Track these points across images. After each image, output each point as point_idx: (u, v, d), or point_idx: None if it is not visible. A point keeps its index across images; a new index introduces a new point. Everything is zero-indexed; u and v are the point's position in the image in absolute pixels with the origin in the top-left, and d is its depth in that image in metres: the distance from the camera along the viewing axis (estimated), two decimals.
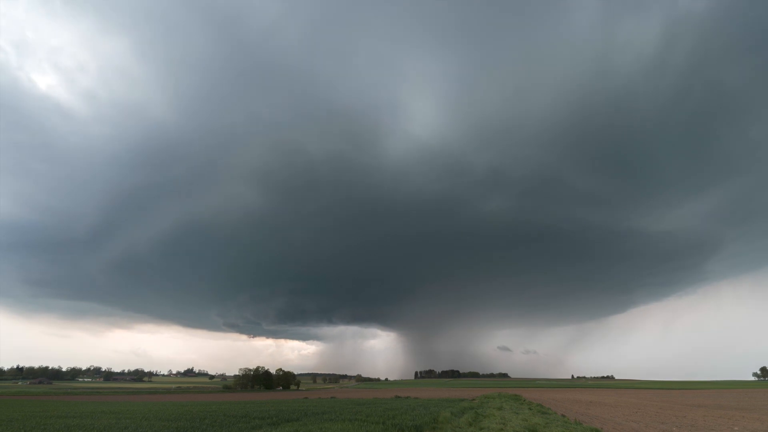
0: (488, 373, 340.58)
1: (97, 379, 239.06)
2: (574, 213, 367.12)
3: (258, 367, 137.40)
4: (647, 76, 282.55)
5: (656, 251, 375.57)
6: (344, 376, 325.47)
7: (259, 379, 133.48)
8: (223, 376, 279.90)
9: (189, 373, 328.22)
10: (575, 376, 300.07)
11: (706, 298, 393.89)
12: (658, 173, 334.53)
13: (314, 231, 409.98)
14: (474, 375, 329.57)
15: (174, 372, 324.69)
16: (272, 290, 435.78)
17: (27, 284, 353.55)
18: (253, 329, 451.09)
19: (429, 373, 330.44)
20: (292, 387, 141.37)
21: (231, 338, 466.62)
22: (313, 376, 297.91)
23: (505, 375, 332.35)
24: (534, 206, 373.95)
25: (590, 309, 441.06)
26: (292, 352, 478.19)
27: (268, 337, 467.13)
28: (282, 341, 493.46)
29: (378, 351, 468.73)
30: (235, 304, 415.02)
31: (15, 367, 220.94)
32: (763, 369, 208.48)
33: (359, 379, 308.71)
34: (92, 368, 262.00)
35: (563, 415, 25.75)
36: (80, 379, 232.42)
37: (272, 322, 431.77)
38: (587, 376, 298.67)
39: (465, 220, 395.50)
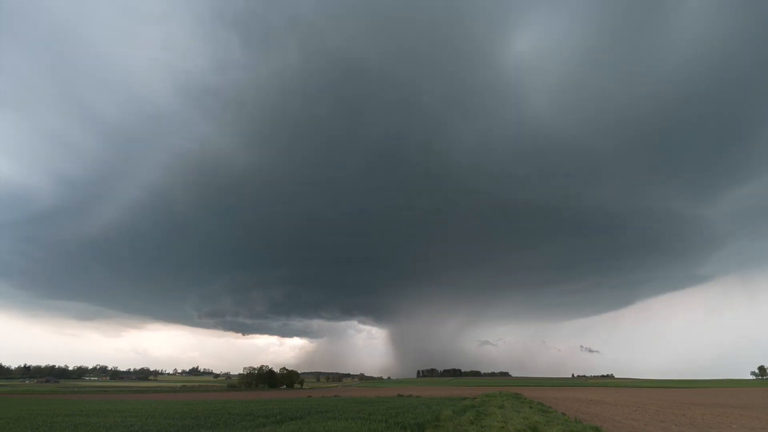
0: (489, 372, 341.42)
1: (103, 378, 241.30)
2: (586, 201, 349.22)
3: (262, 366, 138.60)
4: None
5: (657, 245, 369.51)
6: (347, 375, 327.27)
7: (263, 378, 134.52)
8: (227, 375, 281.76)
9: (194, 372, 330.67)
10: (575, 375, 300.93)
11: (704, 296, 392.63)
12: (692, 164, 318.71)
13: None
14: (475, 374, 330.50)
15: (179, 371, 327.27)
16: (257, 280, 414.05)
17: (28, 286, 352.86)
18: (233, 325, 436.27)
19: (431, 372, 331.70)
20: (296, 386, 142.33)
21: (230, 336, 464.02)
22: (317, 375, 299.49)
23: (506, 374, 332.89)
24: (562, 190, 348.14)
25: (590, 305, 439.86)
26: (291, 350, 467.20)
27: (241, 333, 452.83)
28: (273, 338, 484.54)
29: (373, 348, 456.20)
30: (212, 296, 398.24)
31: (22, 366, 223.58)
32: (761, 368, 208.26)
33: (362, 378, 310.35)
34: (98, 367, 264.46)
35: (563, 414, 26.00)
36: (86, 378, 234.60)
37: (254, 317, 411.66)
38: (587, 375, 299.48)
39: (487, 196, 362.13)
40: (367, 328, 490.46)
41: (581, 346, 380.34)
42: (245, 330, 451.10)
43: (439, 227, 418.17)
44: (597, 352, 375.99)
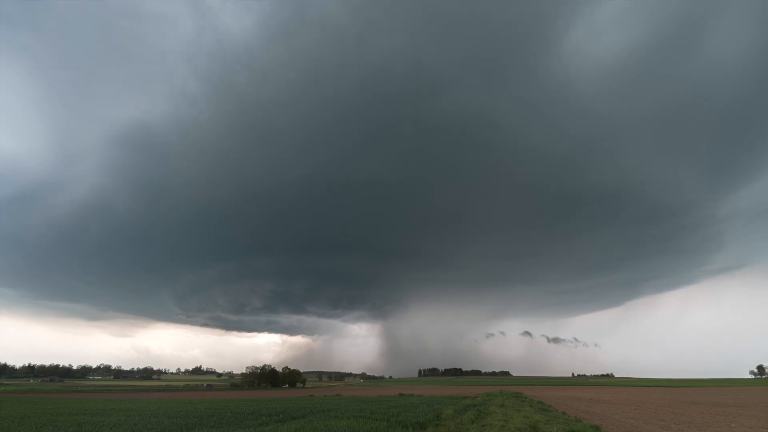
0: (490, 371, 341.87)
1: (107, 377, 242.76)
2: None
3: (264, 365, 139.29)
4: None
5: (658, 243, 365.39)
6: (349, 374, 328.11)
7: (265, 377, 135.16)
8: (230, 374, 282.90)
9: (197, 371, 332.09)
10: (576, 374, 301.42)
11: (704, 295, 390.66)
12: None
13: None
14: (476, 373, 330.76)
15: (182, 370, 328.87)
16: (240, 271, 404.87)
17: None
18: (232, 324, 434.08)
19: (432, 371, 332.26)
20: (298, 385, 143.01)
21: (231, 335, 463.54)
22: (319, 374, 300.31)
23: (506, 373, 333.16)
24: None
25: (589, 303, 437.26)
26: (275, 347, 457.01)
27: (226, 329, 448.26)
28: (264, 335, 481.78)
29: (374, 347, 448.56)
30: (211, 295, 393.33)
31: (26, 365, 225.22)
32: (759, 367, 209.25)
33: (364, 377, 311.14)
34: (102, 366, 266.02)
35: (564, 413, 26.15)
36: (90, 377, 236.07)
37: (252, 314, 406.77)
38: (587, 374, 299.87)
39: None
40: (368, 326, 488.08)
41: (581, 345, 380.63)
42: (246, 328, 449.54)
43: (452, 220, 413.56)
44: (597, 348, 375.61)
